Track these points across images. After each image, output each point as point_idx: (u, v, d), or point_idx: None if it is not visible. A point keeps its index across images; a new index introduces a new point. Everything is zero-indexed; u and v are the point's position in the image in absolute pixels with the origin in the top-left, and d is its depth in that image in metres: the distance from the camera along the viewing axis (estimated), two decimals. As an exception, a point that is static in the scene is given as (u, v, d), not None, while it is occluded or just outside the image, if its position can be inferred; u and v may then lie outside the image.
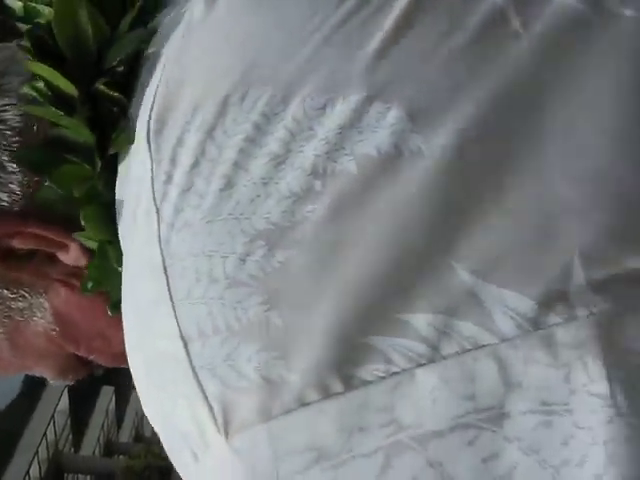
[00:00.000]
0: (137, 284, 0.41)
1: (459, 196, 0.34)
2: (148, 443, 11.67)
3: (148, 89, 0.42)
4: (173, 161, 0.39)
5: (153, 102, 0.41)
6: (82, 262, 0.46)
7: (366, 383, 0.33)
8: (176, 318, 0.37)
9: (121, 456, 13.62)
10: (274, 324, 0.34)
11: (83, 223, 0.44)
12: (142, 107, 0.42)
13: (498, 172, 0.34)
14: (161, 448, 0.44)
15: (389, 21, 0.37)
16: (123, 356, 0.48)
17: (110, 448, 14.36)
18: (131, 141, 0.42)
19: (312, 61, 0.37)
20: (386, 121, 0.35)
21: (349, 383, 0.33)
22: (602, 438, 0.31)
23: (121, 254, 0.43)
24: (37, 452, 10.65)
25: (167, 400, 0.38)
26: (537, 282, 0.32)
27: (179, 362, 0.36)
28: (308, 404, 0.33)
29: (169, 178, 0.39)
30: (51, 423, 11.42)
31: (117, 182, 0.44)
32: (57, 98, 0.44)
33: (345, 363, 0.33)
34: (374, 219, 0.34)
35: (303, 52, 0.37)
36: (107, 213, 0.44)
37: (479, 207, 0.33)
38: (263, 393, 0.34)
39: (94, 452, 13.40)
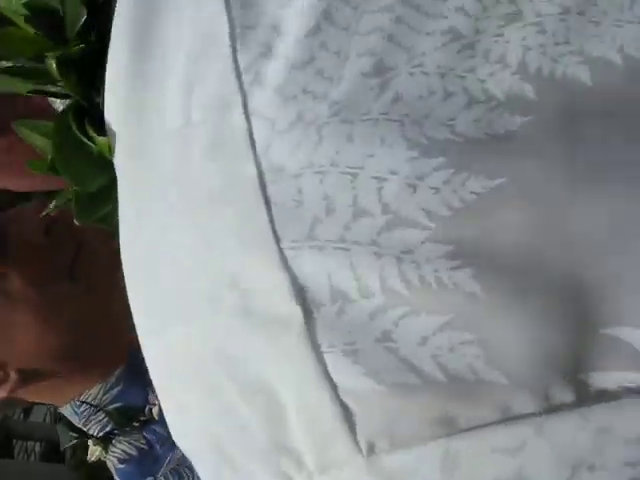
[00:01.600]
0: (190, 219, 0.26)
1: None
2: (99, 410, 11.63)
3: None
4: (277, 29, 0.25)
5: None
6: None
7: (613, 397, 0.21)
8: (287, 267, 0.24)
9: (72, 423, 13.54)
10: (467, 291, 0.22)
11: (57, 73, 0.33)
12: None
13: None
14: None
15: None
16: None
17: (60, 415, 14.24)
18: None
19: None
20: (636, 10, 0.23)
21: (585, 393, 0.21)
22: None
23: (96, 123, 0.33)
24: (-14, 419, 10.51)
25: (239, 400, 0.25)
26: None
27: (286, 335, 0.24)
28: (518, 418, 0.22)
29: (267, 50, 0.25)
30: (0, 389, 11.27)
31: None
32: None
33: (579, 362, 0.22)
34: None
35: None
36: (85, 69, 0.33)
37: None
38: (444, 395, 0.22)
39: (44, 419, 13.28)
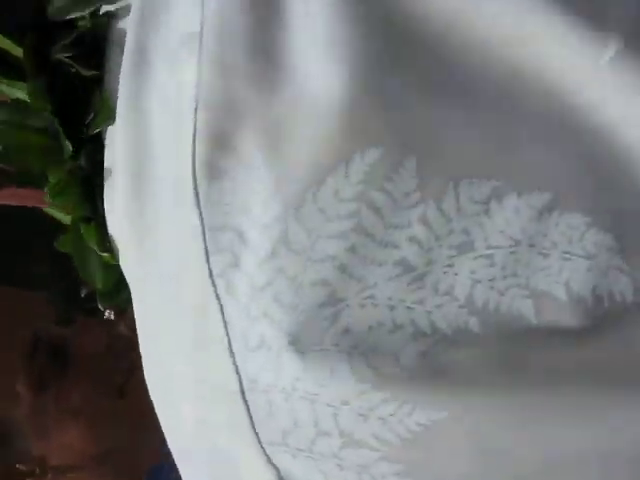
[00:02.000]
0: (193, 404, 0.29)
1: None
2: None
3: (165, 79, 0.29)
4: (241, 237, 0.26)
5: (194, 125, 0.27)
6: None
7: None
8: (271, 462, 0.27)
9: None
10: None
11: (50, 197, 0.35)
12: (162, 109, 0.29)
13: None
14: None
15: None
16: None
17: None
18: (112, 118, 0.31)
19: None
20: (585, 243, 0.24)
21: None
22: None
23: (102, 236, 0.35)
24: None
25: None
26: None
27: None
28: None
29: (236, 260, 0.26)
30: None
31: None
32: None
33: None
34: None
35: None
36: (84, 187, 0.35)
37: None
38: None
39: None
